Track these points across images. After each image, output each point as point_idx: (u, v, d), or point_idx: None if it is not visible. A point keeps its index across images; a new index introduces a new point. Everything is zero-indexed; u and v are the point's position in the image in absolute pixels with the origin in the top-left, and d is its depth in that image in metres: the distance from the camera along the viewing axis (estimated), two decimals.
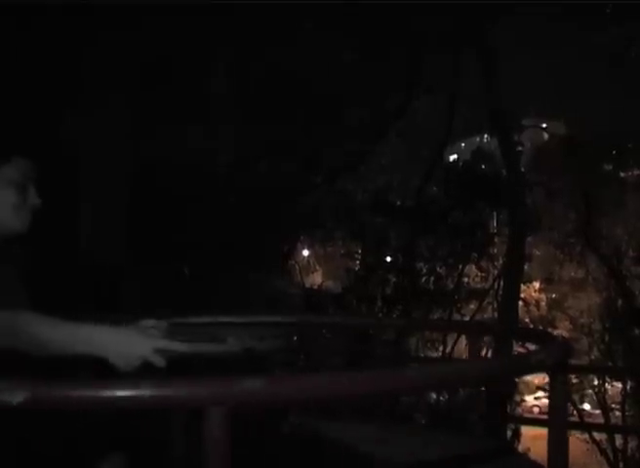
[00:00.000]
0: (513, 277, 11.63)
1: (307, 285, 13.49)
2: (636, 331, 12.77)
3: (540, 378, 15.38)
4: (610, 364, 13.01)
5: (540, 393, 18.58)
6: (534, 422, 8.79)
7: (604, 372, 12.34)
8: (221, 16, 6.28)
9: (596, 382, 14.20)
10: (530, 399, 19.05)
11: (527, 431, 11.99)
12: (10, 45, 4.93)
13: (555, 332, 12.93)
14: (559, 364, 1.89)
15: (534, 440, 11.59)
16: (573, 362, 12.18)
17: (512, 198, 11.95)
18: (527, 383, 16.61)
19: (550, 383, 2.07)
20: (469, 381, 2.09)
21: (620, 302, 13.44)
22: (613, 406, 14.32)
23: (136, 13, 5.43)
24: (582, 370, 11.41)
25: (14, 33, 4.95)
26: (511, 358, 2.93)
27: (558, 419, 2.00)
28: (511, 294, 11.57)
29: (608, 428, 11.94)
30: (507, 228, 12.36)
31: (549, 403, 2.15)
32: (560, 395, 2.01)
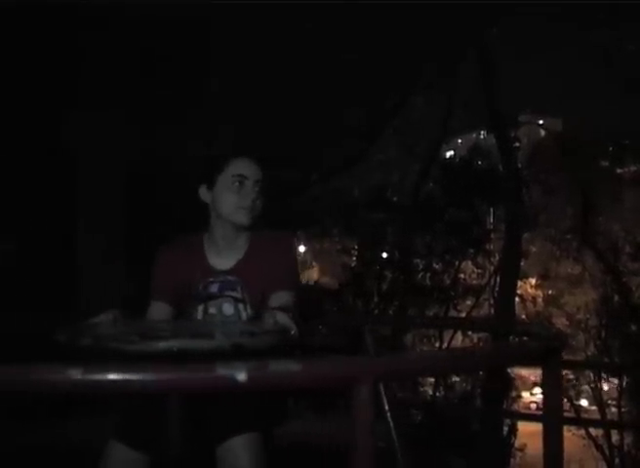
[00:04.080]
0: (510, 273, 11.62)
1: (304, 281, 13.50)
2: (632, 328, 12.79)
3: (536, 374, 15.41)
4: (606, 360, 13.03)
5: (537, 389, 18.60)
6: (529, 418, 8.77)
7: (600, 368, 12.36)
8: (221, 15, 6.26)
9: (592, 378, 14.24)
10: (527, 395, 19.09)
11: (524, 427, 12.01)
12: (8, 44, 4.93)
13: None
14: (550, 353, 1.91)
15: (531, 436, 11.60)
16: (569, 358, 12.20)
17: (509, 194, 11.94)
18: (524, 379, 16.64)
19: (543, 374, 2.08)
20: (462, 367, 2.18)
21: (616, 298, 13.46)
22: (609, 402, 14.35)
23: (136, 11, 5.42)
24: (578, 366, 11.41)
25: (12, 32, 4.95)
26: (502, 345, 2.94)
27: (552, 411, 2.01)
28: (508, 291, 11.57)
29: (604, 424, 11.96)
30: (504, 224, 12.36)
31: (543, 394, 2.16)
32: (553, 386, 2.02)
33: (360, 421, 1.36)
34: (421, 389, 11.53)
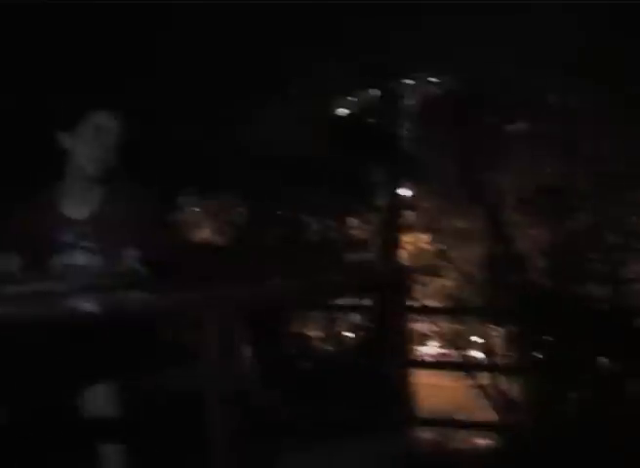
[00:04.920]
0: (395, 228, 11.87)
1: (193, 239, 13.39)
2: (514, 278, 13.26)
3: (432, 326, 15.80)
4: (491, 309, 13.46)
5: (432, 342, 19.07)
6: (423, 365, 8.91)
7: (485, 317, 12.79)
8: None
9: (480, 328, 14.69)
10: (423, 348, 19.55)
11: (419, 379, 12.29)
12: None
13: (440, 281, 13.33)
14: (392, 283, 1.97)
15: (426, 388, 11.90)
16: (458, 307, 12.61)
17: (395, 150, 12.14)
18: (417, 333, 17.02)
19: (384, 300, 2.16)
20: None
21: (501, 250, 13.91)
22: (497, 350, 14.83)
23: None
24: (463, 314, 11.84)
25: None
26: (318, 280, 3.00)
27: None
28: (393, 245, 11.82)
29: (489, 368, 12.43)
30: (391, 180, 12.56)
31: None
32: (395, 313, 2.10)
33: (208, 346, 1.38)
34: (310, 344, 11.65)
